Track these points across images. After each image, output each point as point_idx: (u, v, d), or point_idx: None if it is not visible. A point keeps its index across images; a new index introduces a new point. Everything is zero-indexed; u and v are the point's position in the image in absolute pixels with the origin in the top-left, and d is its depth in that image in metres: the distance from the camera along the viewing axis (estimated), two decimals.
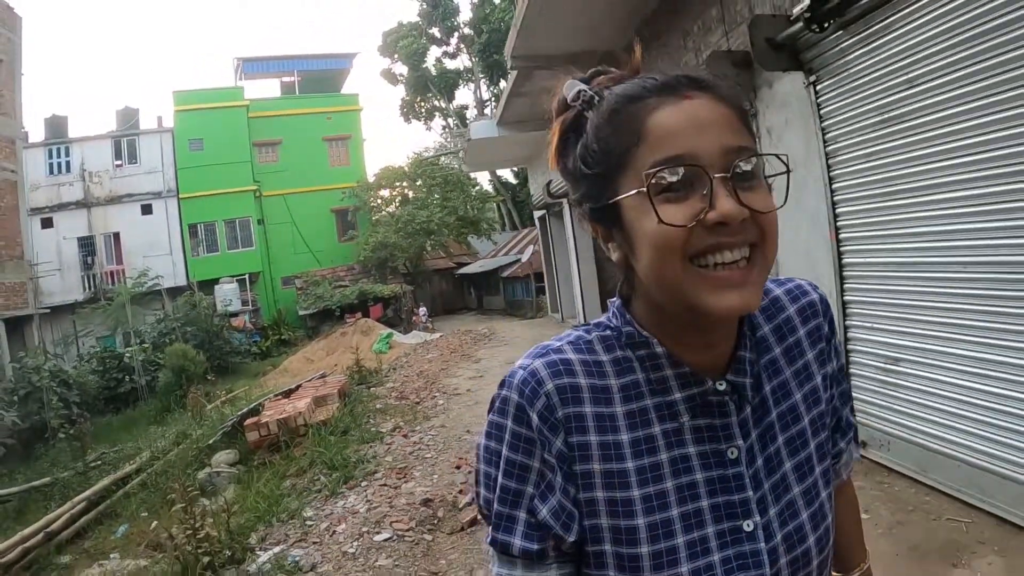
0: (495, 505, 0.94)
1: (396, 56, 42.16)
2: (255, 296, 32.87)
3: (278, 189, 34.54)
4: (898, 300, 4.42)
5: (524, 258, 28.61)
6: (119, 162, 31.89)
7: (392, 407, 10.27)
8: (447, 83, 42.98)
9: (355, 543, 5.21)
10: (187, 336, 23.02)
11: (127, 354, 21.37)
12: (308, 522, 5.93)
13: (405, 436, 8.34)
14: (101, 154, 31.56)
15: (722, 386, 0.93)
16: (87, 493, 9.23)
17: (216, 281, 30.17)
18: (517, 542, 0.92)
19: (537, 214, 20.27)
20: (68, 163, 31.18)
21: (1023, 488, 3.59)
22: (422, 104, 44.43)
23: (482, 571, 4.49)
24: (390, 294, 30.27)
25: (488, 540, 0.96)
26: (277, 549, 5.36)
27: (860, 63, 4.41)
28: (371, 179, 37.02)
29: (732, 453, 0.93)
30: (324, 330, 26.54)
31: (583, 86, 0.94)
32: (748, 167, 0.83)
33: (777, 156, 0.89)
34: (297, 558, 5.09)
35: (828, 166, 4.96)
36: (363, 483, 6.72)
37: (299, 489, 6.99)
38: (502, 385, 0.95)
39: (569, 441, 0.90)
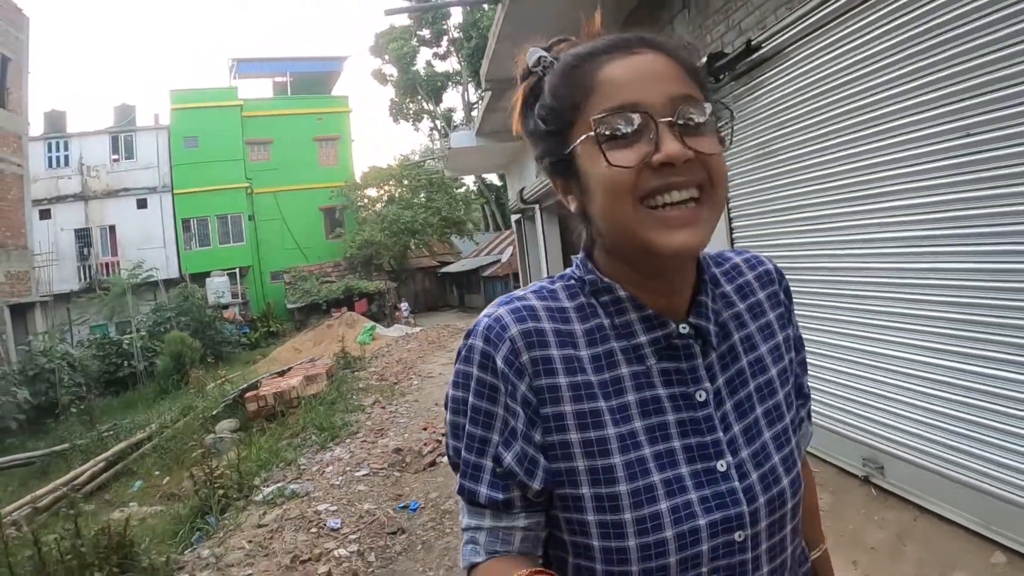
0: (463, 453, 0.95)
1: (387, 57, 42.80)
2: (245, 289, 33.82)
3: (269, 187, 35.36)
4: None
5: (503, 259, 29.71)
6: (116, 157, 32.76)
7: (373, 386, 11.74)
8: (435, 86, 43.70)
9: (340, 478, 6.70)
10: (181, 326, 24.19)
11: (125, 340, 22.58)
12: (302, 467, 7.38)
13: (383, 407, 9.83)
14: (99, 149, 32.35)
15: (685, 329, 0.96)
16: (106, 454, 10.59)
17: (208, 274, 31.13)
18: (483, 490, 0.93)
19: (513, 217, 21.62)
20: (67, 157, 31.96)
21: None
22: (410, 105, 45.07)
23: (435, 493, 5.95)
24: (375, 290, 31.37)
25: (456, 489, 0.98)
26: (277, 485, 6.79)
27: (745, 108, 5.63)
28: (359, 178, 37.99)
29: (700, 396, 0.95)
30: (311, 323, 27.70)
31: (543, 52, 0.98)
32: (697, 118, 0.87)
33: (722, 103, 0.91)
34: (294, 489, 6.52)
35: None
36: (347, 440, 8.23)
37: (294, 445, 8.45)
38: (468, 335, 0.97)
39: (536, 384, 0.91)
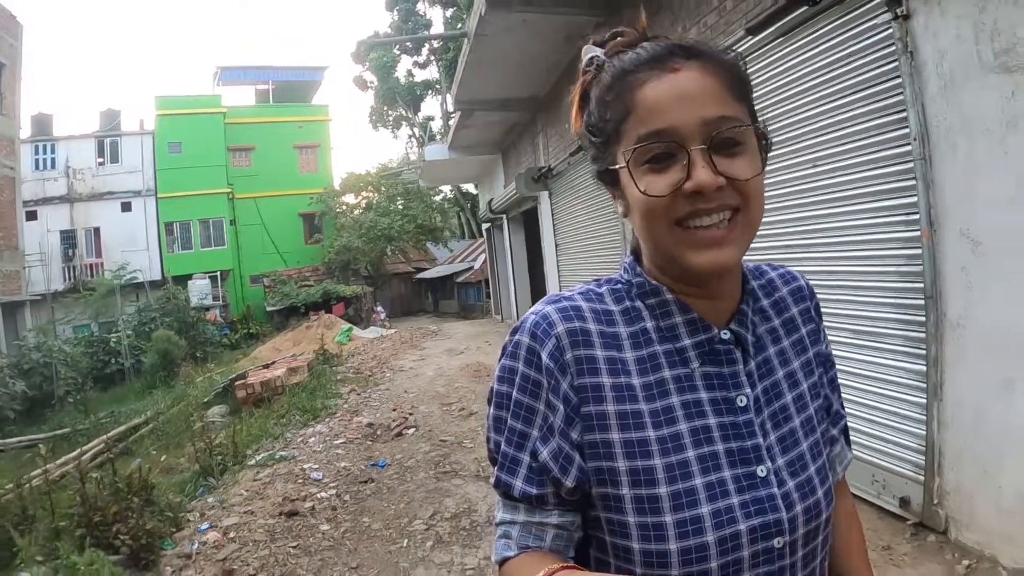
0: (503, 447, 0.99)
1: (367, 64, 42.86)
2: (225, 292, 34.66)
3: (250, 192, 36.27)
4: None
5: (476, 265, 30.79)
6: (101, 160, 33.48)
7: (350, 378, 13.02)
8: (414, 95, 43.86)
9: (321, 446, 7.98)
10: (165, 326, 25.17)
11: (113, 338, 23.61)
12: (288, 439, 8.63)
13: (358, 394, 11.11)
14: (85, 152, 33.02)
15: (726, 335, 0.99)
16: (105, 436, 11.69)
17: (189, 277, 31.91)
18: (518, 484, 0.96)
19: (484, 226, 22.94)
20: (53, 160, 32.57)
21: None
22: (390, 113, 45.29)
23: (400, 455, 7.23)
24: (352, 294, 32.42)
25: (493, 481, 1.02)
26: (268, 453, 8.02)
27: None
28: (338, 183, 38.97)
29: (741, 401, 0.97)
30: (290, 325, 28.55)
31: (597, 51, 1.02)
32: (733, 141, 0.89)
33: (756, 126, 0.94)
34: (283, 454, 7.75)
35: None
36: (326, 419, 9.53)
37: (281, 424, 9.70)
38: (514, 331, 1.00)
39: (579, 383, 0.94)
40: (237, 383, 12.03)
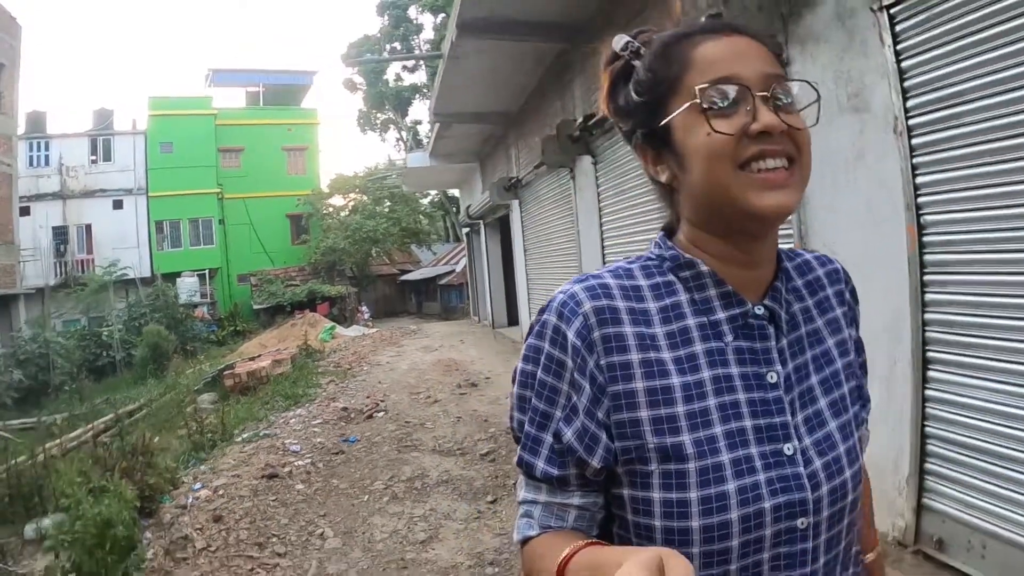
0: (526, 426, 1.00)
1: (357, 68, 43.51)
2: (213, 290, 35.53)
3: (239, 193, 37.03)
4: None
5: (458, 268, 31.73)
6: (94, 159, 34.23)
7: (330, 371, 14.01)
8: (402, 99, 44.64)
9: (300, 426, 9.00)
10: (155, 321, 26.05)
11: (104, 332, 24.51)
12: (271, 421, 9.62)
13: (336, 385, 12.12)
14: (78, 150, 33.76)
15: (760, 310, 0.99)
16: (102, 420, 12.61)
17: (178, 274, 32.89)
18: (540, 464, 0.97)
19: (464, 230, 23.95)
20: (47, 157, 33.15)
21: None
22: (378, 116, 46.30)
23: (369, 433, 8.23)
24: (336, 294, 33.41)
25: (516, 460, 1.02)
26: (253, 432, 8.99)
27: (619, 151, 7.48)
28: (325, 186, 39.87)
29: (772, 377, 0.97)
30: (276, 323, 29.28)
31: (630, 38, 1.04)
32: (787, 96, 0.94)
33: (809, 83, 0.99)
34: (266, 433, 8.74)
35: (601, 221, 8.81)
36: (306, 404, 10.54)
37: (265, 408, 10.69)
38: (542, 311, 1.00)
39: (606, 362, 0.94)
40: (225, 372, 13.07)
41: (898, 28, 3.63)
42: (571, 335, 0.95)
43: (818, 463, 0.96)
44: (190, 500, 6.12)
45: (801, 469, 0.94)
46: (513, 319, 17.64)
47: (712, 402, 0.94)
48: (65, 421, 11.28)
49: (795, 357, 1.01)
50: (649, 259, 1.05)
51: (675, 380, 0.94)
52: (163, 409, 12.81)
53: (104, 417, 12.37)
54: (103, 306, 26.83)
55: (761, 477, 0.92)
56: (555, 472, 0.97)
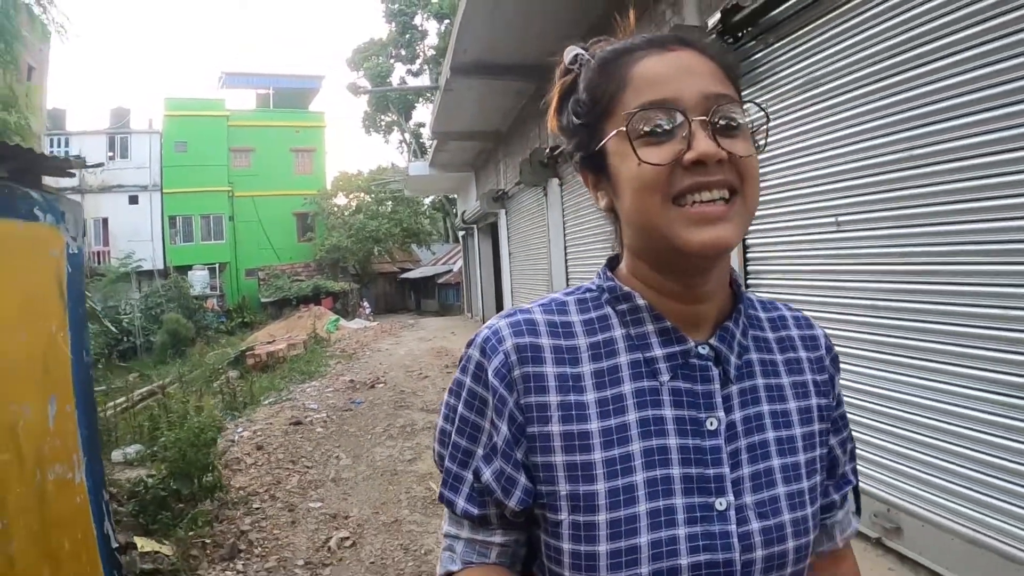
0: (446, 462, 0.95)
1: (362, 72, 44.19)
2: (222, 283, 37.48)
3: (248, 191, 39.02)
4: None
5: (455, 268, 33.48)
6: (111, 155, 35.76)
7: (337, 355, 16.10)
8: (406, 102, 45.63)
9: (315, 392, 11.04)
10: (170, 311, 28.01)
11: (124, 319, 26.45)
12: (291, 390, 11.65)
13: (344, 365, 14.17)
14: (96, 147, 34.65)
15: (705, 349, 0.91)
16: (143, 389, 14.58)
17: (190, 267, 34.79)
18: (460, 503, 0.93)
19: (460, 233, 25.95)
20: (66, 153, 35.07)
21: None
22: (382, 119, 47.38)
23: (372, 398, 10.26)
24: (340, 290, 35.54)
25: (438, 496, 0.98)
26: (276, 397, 11.02)
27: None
28: (329, 184, 41.59)
29: (711, 424, 0.89)
30: (283, 315, 31.30)
31: (580, 50, 0.96)
32: (732, 120, 0.84)
33: (757, 104, 0.92)
34: (287, 397, 10.77)
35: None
36: (319, 378, 12.59)
37: (285, 380, 12.76)
38: (468, 345, 0.95)
39: (525, 402, 0.88)
40: (247, 353, 15.20)
41: None
42: (491, 372, 0.89)
43: (755, 525, 0.86)
44: (236, 436, 8.13)
45: (732, 527, 0.85)
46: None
47: (636, 447, 0.86)
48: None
49: (747, 406, 0.92)
50: (589, 290, 0.98)
51: (595, 425, 0.87)
52: (195, 380, 14.80)
53: (143, 388, 14.35)
54: (119, 295, 28.65)
55: (681, 532, 0.84)
56: (475, 511, 0.92)
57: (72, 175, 4.53)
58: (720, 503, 0.86)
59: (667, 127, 0.83)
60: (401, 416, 9.01)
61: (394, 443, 7.76)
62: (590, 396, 0.88)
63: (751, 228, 4.73)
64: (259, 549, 5.02)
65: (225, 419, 9.51)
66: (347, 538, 5.16)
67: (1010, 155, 2.91)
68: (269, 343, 17.29)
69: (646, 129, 0.83)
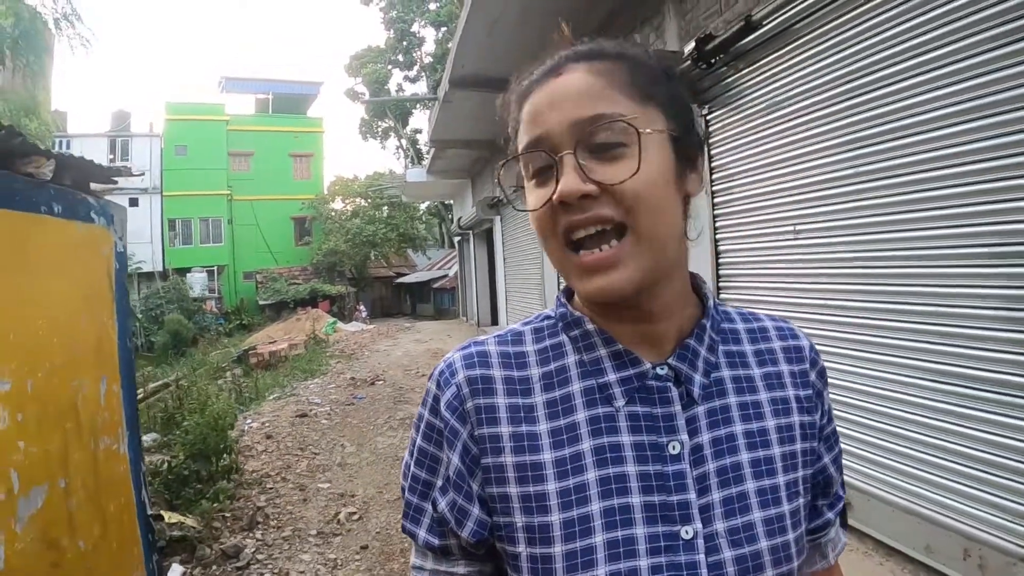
0: (406, 493, 0.94)
1: (360, 79, 44.51)
2: (220, 285, 37.92)
3: (247, 195, 39.58)
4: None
5: (450, 273, 33.99)
6: (112, 158, 35.62)
7: (336, 355, 16.59)
8: (403, 108, 45.48)
9: (318, 389, 11.55)
10: (171, 312, 28.54)
11: None
12: (294, 387, 12.17)
13: (344, 364, 14.68)
14: (97, 150, 34.60)
15: (663, 370, 0.87)
16: (154, 384, 15.08)
17: (188, 270, 35.26)
18: (421, 534, 0.92)
19: (456, 238, 26.45)
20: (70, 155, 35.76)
21: None
22: (380, 125, 47.26)
23: (374, 394, 10.78)
24: (336, 293, 35.86)
25: (401, 528, 0.97)
26: (280, 393, 11.54)
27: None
28: (327, 188, 41.98)
29: (673, 448, 0.84)
30: (282, 317, 31.87)
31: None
32: (607, 143, 0.78)
33: (624, 120, 0.79)
34: (291, 393, 11.28)
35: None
36: (321, 377, 13.09)
37: (288, 378, 13.27)
38: (429, 378, 0.94)
39: (477, 434, 0.87)
40: (250, 352, 15.72)
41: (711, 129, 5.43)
42: (443, 405, 0.89)
43: (728, 554, 0.82)
44: (246, 427, 8.65)
45: (700, 557, 0.80)
46: (495, 319, 20.09)
47: (591, 476, 0.83)
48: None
49: (716, 427, 0.87)
50: (547, 318, 0.96)
51: (548, 455, 0.85)
52: (202, 377, 15.31)
53: (155, 383, 14.86)
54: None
55: (643, 563, 0.80)
56: (436, 542, 0.91)
57: (115, 183, 5.02)
58: (686, 531, 0.82)
59: (545, 166, 0.82)
60: (401, 410, 9.55)
61: (395, 433, 8.29)
62: (543, 426, 0.87)
63: (724, 235, 5.30)
64: (275, 521, 5.55)
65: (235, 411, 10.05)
66: (354, 513, 5.69)
67: (936, 173, 3.38)
68: (271, 343, 17.83)
69: (534, 169, 0.84)
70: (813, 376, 0.96)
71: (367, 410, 9.66)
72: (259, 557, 4.93)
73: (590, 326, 0.90)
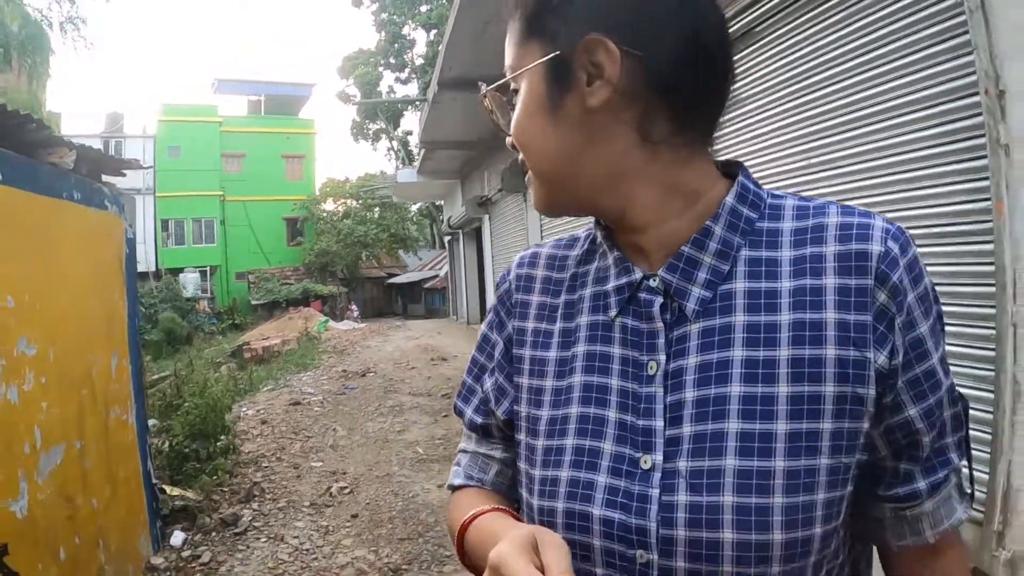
0: (465, 376, 1.02)
1: (351, 80, 44.15)
2: (213, 285, 38.09)
3: (240, 196, 39.74)
4: None
5: (441, 273, 34.28)
6: None
7: (329, 351, 16.96)
8: (395, 110, 45.42)
9: (310, 381, 11.91)
10: (164, 311, 28.76)
11: None
12: (288, 379, 12.53)
13: (336, 359, 15.04)
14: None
15: (654, 282, 0.80)
16: (154, 377, 15.45)
17: (181, 270, 35.36)
18: (468, 412, 0.99)
19: (446, 238, 26.82)
20: None
21: None
22: (371, 126, 47.10)
23: (365, 384, 11.15)
24: (328, 293, 36.08)
25: (454, 407, 1.03)
26: (274, 385, 11.89)
27: None
28: (318, 189, 42.23)
29: (651, 368, 0.78)
30: (274, 316, 31.98)
31: None
32: (503, 94, 0.86)
33: (507, 78, 0.85)
34: (285, 385, 11.64)
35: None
36: (313, 370, 13.44)
37: (281, 371, 13.63)
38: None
39: (515, 326, 0.94)
40: (244, 347, 16.11)
41: None
42: (498, 298, 0.98)
43: (683, 498, 0.72)
44: (241, 414, 9.01)
45: (654, 492, 0.73)
46: (484, 315, 20.42)
47: (577, 379, 0.83)
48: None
49: (708, 350, 0.76)
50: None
51: (552, 353, 0.87)
52: (196, 372, 15.66)
53: (155, 376, 15.21)
54: None
55: (600, 478, 0.77)
56: (479, 420, 0.96)
57: (125, 175, 5.38)
58: (644, 461, 0.75)
59: None
60: (391, 399, 9.92)
61: (385, 419, 8.66)
62: (557, 326, 0.89)
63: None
64: (270, 495, 5.92)
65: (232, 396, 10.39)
66: (345, 487, 6.07)
67: (883, 161, 3.63)
68: (264, 340, 18.23)
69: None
70: (883, 296, 0.73)
71: (358, 399, 10.03)
72: (256, 525, 5.30)
73: (598, 232, 0.90)
